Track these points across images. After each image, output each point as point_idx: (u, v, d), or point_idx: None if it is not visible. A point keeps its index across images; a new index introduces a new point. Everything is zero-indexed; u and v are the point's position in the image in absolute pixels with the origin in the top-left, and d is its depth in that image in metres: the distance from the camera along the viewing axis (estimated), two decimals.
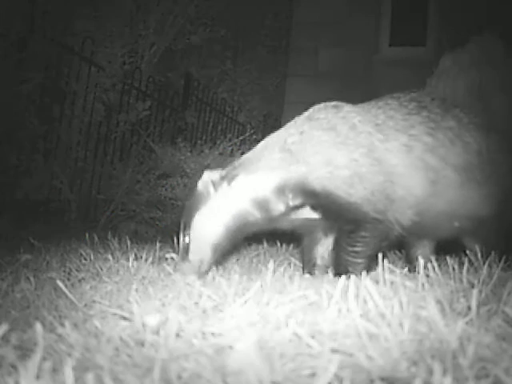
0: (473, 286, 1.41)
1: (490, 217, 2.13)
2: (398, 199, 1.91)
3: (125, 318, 1.26)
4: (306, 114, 2.07)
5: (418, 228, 2.05)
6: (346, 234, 1.92)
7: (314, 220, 2.01)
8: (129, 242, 2.59)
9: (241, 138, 4.74)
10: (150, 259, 2.14)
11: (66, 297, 1.51)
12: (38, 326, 1.04)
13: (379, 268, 1.51)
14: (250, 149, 3.87)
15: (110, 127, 4.95)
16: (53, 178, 4.25)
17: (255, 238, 3.54)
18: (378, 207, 1.88)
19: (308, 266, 2.13)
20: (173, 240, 2.47)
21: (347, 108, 2.04)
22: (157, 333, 1.11)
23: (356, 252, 1.90)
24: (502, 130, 2.30)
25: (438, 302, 1.24)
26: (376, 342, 1.04)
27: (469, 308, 1.20)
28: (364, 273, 1.72)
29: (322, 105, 2.07)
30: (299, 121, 2.05)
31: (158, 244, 2.48)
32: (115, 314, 1.31)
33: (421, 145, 1.97)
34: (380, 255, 1.62)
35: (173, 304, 1.38)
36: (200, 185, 2.00)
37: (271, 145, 2.01)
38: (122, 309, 1.34)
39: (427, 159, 1.96)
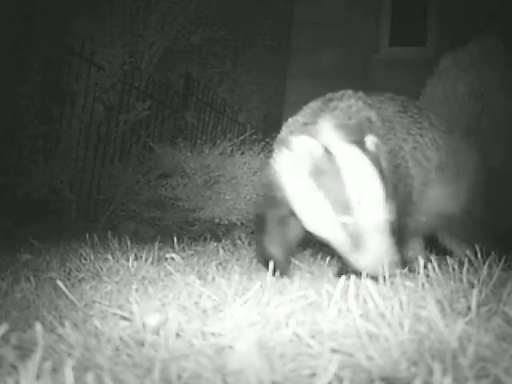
0: (473, 286, 1.41)
1: (461, 215, 2.15)
2: (415, 200, 1.91)
3: (125, 318, 1.26)
4: (357, 96, 1.87)
5: None
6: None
7: None
8: (129, 242, 2.58)
9: (241, 137, 4.74)
10: (150, 259, 2.14)
11: (66, 297, 1.51)
12: (38, 326, 1.04)
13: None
14: (250, 149, 3.83)
15: (110, 127, 4.94)
16: (53, 178, 4.25)
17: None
18: (407, 210, 1.84)
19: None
20: (173, 240, 2.48)
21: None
22: (157, 333, 1.11)
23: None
24: (499, 129, 2.31)
25: (438, 302, 1.24)
26: (376, 342, 1.04)
27: (469, 308, 1.20)
28: (364, 273, 1.72)
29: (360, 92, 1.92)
30: (364, 101, 1.85)
31: (157, 244, 2.48)
32: (115, 314, 1.31)
33: (417, 145, 1.98)
34: None
35: (173, 304, 1.38)
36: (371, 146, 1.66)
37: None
38: (122, 309, 1.34)
39: (420, 159, 1.97)
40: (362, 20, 5.83)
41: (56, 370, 0.94)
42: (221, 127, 6.59)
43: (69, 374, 0.88)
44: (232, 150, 4.23)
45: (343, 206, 1.57)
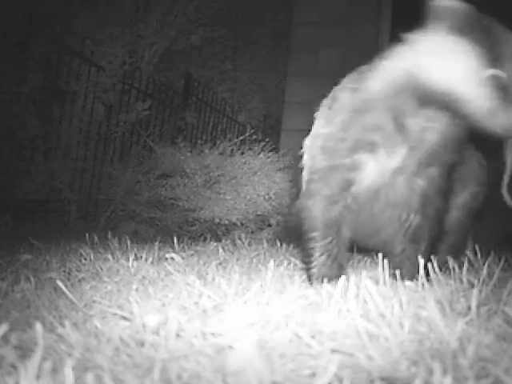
0: (473, 286, 1.41)
1: None
2: None
3: (125, 318, 1.26)
4: None
5: None
6: None
7: None
8: (129, 242, 2.58)
9: (241, 137, 4.73)
10: (150, 259, 2.14)
11: (66, 297, 1.51)
12: (38, 326, 1.04)
13: (379, 268, 1.51)
14: (250, 149, 3.82)
15: (110, 127, 4.95)
16: (53, 178, 4.25)
17: (256, 238, 3.55)
18: None
19: None
20: (173, 240, 2.48)
21: None
22: (157, 333, 1.11)
23: None
24: None
25: (438, 302, 1.24)
26: (376, 342, 1.04)
27: (469, 308, 1.20)
28: (364, 273, 1.72)
29: None
30: None
31: (157, 244, 2.48)
32: (115, 314, 1.31)
33: None
34: (380, 255, 1.62)
35: (173, 304, 1.38)
36: None
37: None
38: (122, 309, 1.34)
39: None
40: (362, 20, 5.82)
41: (56, 370, 0.94)
42: (221, 127, 6.60)
43: (69, 374, 0.88)
44: (232, 150, 4.23)
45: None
